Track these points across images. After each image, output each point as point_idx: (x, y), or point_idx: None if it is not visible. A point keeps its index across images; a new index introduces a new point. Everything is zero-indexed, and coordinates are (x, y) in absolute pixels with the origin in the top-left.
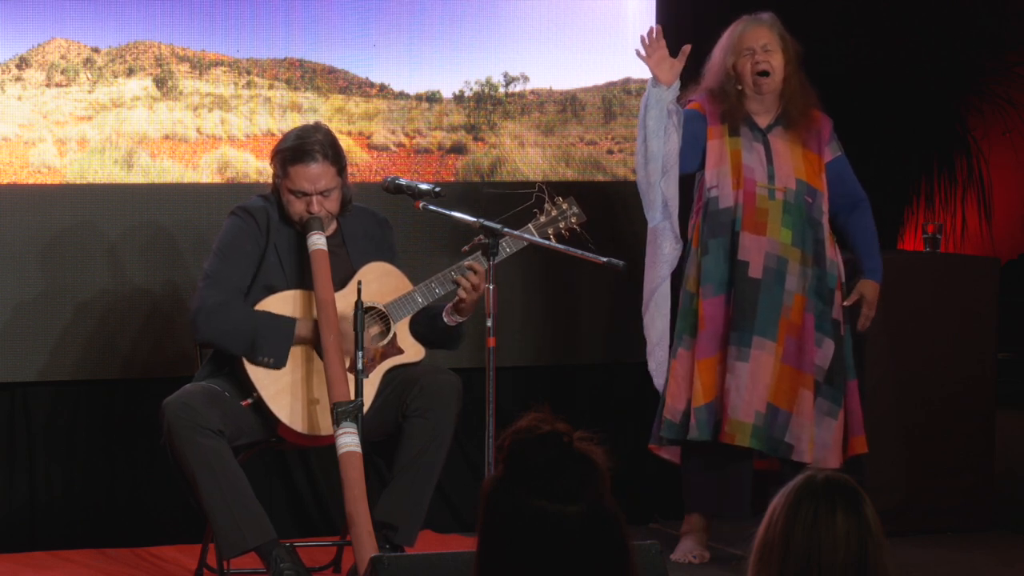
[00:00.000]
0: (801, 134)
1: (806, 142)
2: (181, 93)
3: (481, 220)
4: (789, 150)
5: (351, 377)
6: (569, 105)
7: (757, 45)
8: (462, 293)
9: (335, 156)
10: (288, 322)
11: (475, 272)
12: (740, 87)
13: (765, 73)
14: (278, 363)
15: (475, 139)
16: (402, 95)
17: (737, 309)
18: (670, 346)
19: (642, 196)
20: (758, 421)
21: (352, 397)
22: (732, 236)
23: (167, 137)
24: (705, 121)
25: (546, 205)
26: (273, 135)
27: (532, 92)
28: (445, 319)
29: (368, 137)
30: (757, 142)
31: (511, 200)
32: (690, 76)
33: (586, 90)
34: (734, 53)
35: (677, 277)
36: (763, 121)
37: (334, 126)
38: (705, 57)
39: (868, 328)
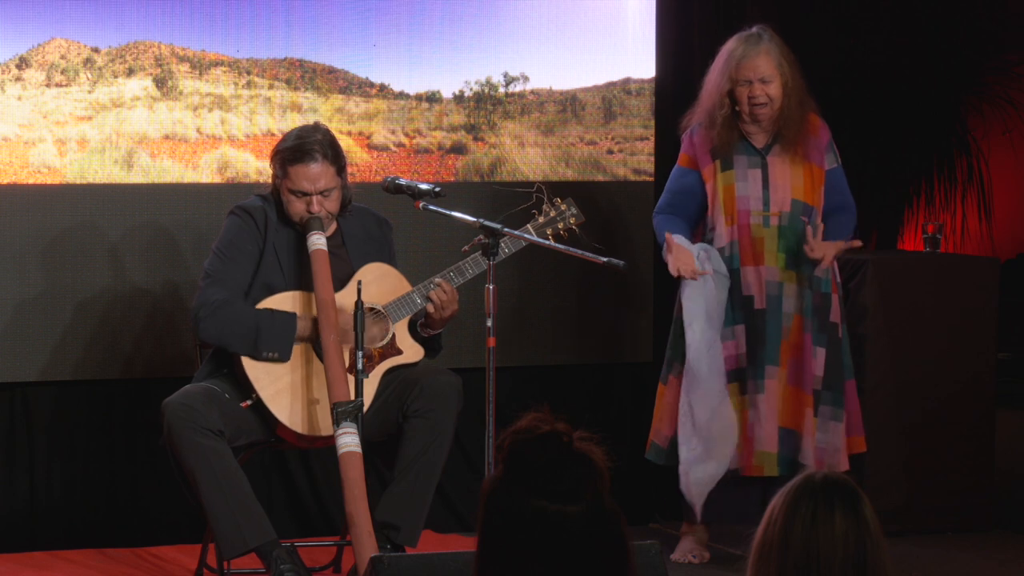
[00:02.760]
0: (799, 148)
1: (806, 155)
2: (181, 93)
3: (481, 220)
4: (789, 167)
5: (351, 377)
6: (569, 105)
7: (755, 78)
8: (430, 308)
9: (335, 156)
10: (289, 316)
11: (443, 290)
12: (737, 108)
13: (762, 104)
14: (283, 356)
15: (475, 139)
16: (402, 95)
17: (749, 344)
18: (659, 371)
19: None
20: (781, 448)
21: (352, 397)
22: (732, 272)
23: (167, 137)
24: (697, 174)
25: (544, 206)
26: (273, 135)
27: (532, 92)
28: (419, 330)
29: (368, 137)
30: (754, 167)
31: (510, 200)
32: (686, 83)
33: (586, 90)
34: (730, 80)
35: (671, 302)
36: (760, 140)
37: (334, 126)
38: (705, 57)
39: (868, 326)
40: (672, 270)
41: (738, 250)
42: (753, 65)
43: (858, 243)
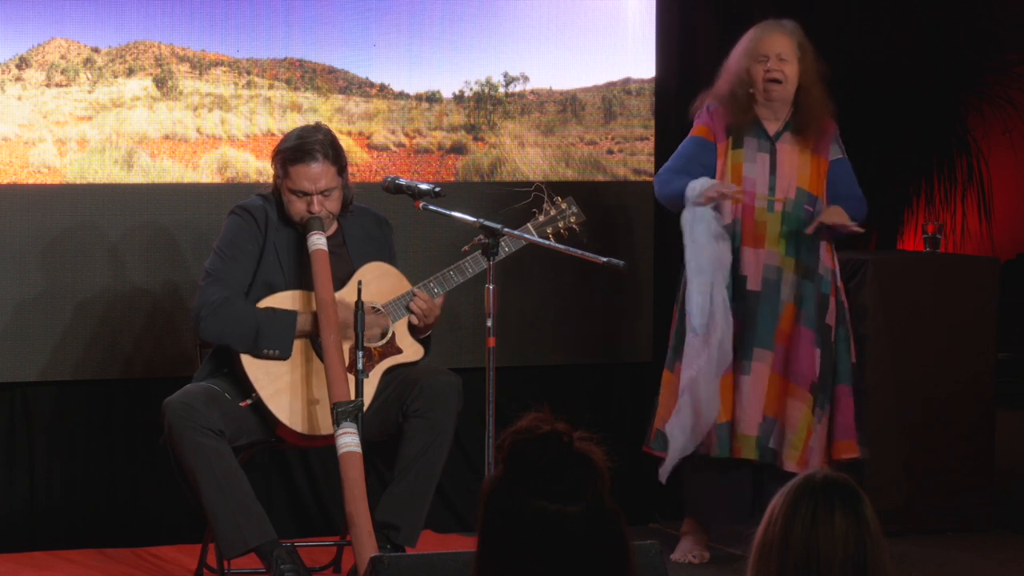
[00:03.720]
0: (811, 141)
1: (816, 147)
2: (181, 93)
3: (481, 220)
4: (797, 156)
5: (351, 377)
6: (569, 105)
7: (772, 53)
8: (413, 320)
9: (335, 156)
10: (289, 314)
11: (422, 299)
12: (752, 91)
13: (776, 81)
14: (283, 354)
15: (475, 139)
16: (402, 95)
17: (739, 324)
18: (665, 358)
19: (697, 303)
20: (760, 432)
21: (352, 397)
22: (733, 252)
23: (167, 137)
24: (714, 145)
25: (545, 205)
26: (273, 135)
27: (532, 92)
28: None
29: (368, 137)
30: (763, 151)
31: (511, 200)
32: (686, 83)
33: (586, 90)
34: (750, 57)
35: (671, 301)
36: (772, 127)
37: (334, 126)
38: (704, 56)
39: (868, 326)
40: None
41: (740, 229)
42: (771, 41)
43: (859, 229)
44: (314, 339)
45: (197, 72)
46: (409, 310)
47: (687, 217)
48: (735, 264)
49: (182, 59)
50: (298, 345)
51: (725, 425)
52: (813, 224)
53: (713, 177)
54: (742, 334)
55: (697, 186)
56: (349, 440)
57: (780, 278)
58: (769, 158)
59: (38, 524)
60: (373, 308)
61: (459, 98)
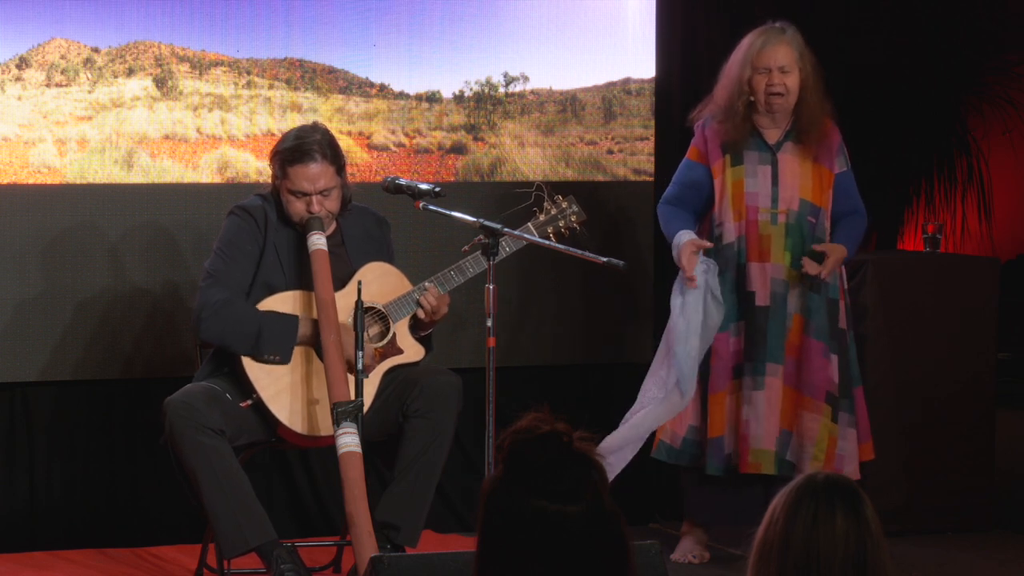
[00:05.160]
0: (812, 148)
1: (817, 156)
2: (181, 93)
3: (481, 220)
4: (799, 166)
5: (351, 377)
6: (569, 105)
7: (774, 66)
8: (420, 314)
9: (334, 156)
10: (291, 319)
11: (432, 295)
12: (752, 99)
13: (779, 94)
14: (284, 359)
15: (475, 139)
16: (402, 95)
17: (748, 339)
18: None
19: (681, 370)
20: (778, 447)
21: (352, 397)
22: (738, 268)
23: (167, 137)
24: (706, 168)
25: (545, 204)
26: (273, 135)
27: (532, 92)
28: (409, 331)
29: (368, 137)
30: (764, 163)
31: (511, 200)
32: (687, 83)
33: (586, 90)
34: (750, 67)
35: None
36: (773, 136)
37: (334, 126)
38: (705, 56)
39: (868, 326)
40: (685, 271)
41: (745, 246)
42: (773, 53)
43: (845, 285)
44: (315, 346)
45: (197, 72)
46: (419, 304)
47: (676, 300)
48: (742, 280)
49: (182, 59)
50: (299, 346)
51: (716, 441)
52: (809, 268)
53: (711, 199)
54: (753, 350)
55: (675, 250)
56: (349, 440)
57: (787, 291)
58: (771, 169)
59: (38, 524)
60: (372, 309)
61: (459, 98)
